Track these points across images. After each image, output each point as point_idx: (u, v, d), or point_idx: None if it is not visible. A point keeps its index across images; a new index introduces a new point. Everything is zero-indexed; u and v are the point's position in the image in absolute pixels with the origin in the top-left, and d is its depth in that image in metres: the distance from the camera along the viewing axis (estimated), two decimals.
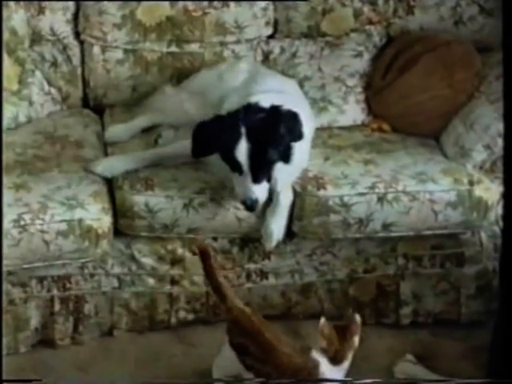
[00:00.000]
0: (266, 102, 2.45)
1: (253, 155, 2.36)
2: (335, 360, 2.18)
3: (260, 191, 2.39)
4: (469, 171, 2.57)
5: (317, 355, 2.19)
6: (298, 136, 2.44)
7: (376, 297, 2.67)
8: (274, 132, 2.38)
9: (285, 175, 2.46)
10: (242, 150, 2.36)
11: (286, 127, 2.40)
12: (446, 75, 2.72)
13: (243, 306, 2.30)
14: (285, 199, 2.48)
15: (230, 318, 2.28)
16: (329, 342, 2.18)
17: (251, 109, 2.43)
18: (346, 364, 2.21)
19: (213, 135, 2.40)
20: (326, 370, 2.17)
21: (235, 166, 2.39)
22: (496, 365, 2.32)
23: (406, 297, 2.66)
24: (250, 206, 2.38)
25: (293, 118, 2.43)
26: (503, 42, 2.31)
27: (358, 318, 2.21)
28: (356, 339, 2.19)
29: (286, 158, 2.42)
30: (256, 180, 2.38)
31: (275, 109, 2.42)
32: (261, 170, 2.39)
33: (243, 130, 2.38)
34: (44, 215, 2.41)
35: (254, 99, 2.47)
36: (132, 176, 2.54)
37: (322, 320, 2.19)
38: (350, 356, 2.19)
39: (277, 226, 2.47)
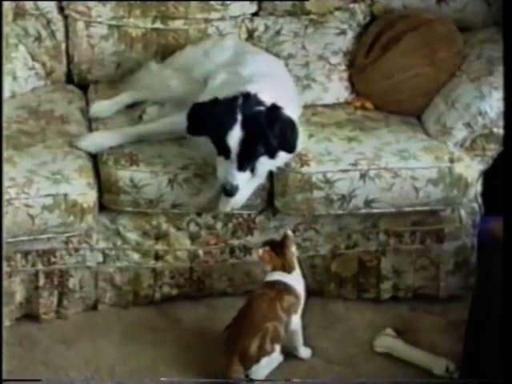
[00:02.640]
0: (263, 93, 2.45)
1: (243, 144, 2.38)
2: (286, 270, 2.46)
3: (241, 179, 2.40)
4: (450, 149, 2.60)
5: (272, 276, 2.45)
6: (290, 148, 2.45)
7: (357, 272, 2.71)
8: (269, 129, 2.39)
9: (266, 166, 2.48)
10: (235, 137, 2.38)
11: (281, 132, 2.41)
12: (429, 53, 2.74)
13: None
14: (261, 174, 2.50)
15: None
16: (272, 263, 2.44)
17: (249, 99, 2.44)
18: (298, 271, 2.47)
19: (209, 116, 2.41)
20: (284, 278, 2.43)
21: (223, 150, 2.40)
22: (472, 338, 2.37)
23: (387, 272, 2.70)
24: (229, 191, 2.39)
25: (291, 128, 2.44)
26: (504, 38, 2.33)
27: (290, 233, 2.48)
28: (293, 249, 2.47)
29: (273, 154, 2.44)
30: (241, 168, 2.40)
31: (276, 109, 2.43)
32: (247, 159, 2.40)
33: (240, 117, 2.39)
34: (29, 189, 2.42)
35: (251, 88, 2.46)
36: (117, 151, 2.55)
37: (260, 250, 2.44)
38: (295, 262, 2.47)
39: (241, 193, 2.45)
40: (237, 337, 2.37)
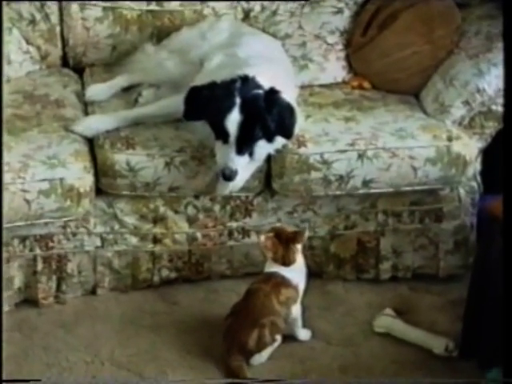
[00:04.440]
0: (261, 76, 2.43)
1: (242, 127, 2.36)
2: (285, 263, 2.40)
3: (240, 163, 2.38)
4: (448, 127, 2.59)
5: (270, 267, 2.42)
6: (287, 133, 2.43)
7: (356, 253, 2.70)
8: (268, 112, 2.37)
9: (264, 150, 2.46)
10: (233, 120, 2.36)
11: (279, 116, 2.39)
12: (426, 31, 2.71)
13: None
14: (259, 158, 2.48)
15: None
16: (274, 251, 2.40)
17: (247, 82, 2.42)
18: (299, 263, 2.43)
19: (207, 100, 2.39)
20: (282, 272, 2.40)
21: (222, 134, 2.38)
22: (471, 317, 2.36)
23: (386, 252, 2.69)
24: (228, 175, 2.37)
25: (289, 113, 2.42)
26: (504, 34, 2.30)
27: (306, 232, 2.43)
28: (299, 246, 2.41)
29: (271, 138, 2.42)
30: (239, 151, 2.38)
31: (275, 93, 2.41)
32: (246, 143, 2.38)
33: (238, 100, 2.37)
34: (25, 174, 2.41)
35: (249, 71, 2.44)
36: (113, 135, 2.54)
37: (262, 237, 2.40)
38: (298, 256, 2.42)
39: (239, 176, 2.42)
40: (235, 331, 2.37)
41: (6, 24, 2.78)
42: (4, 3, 2.74)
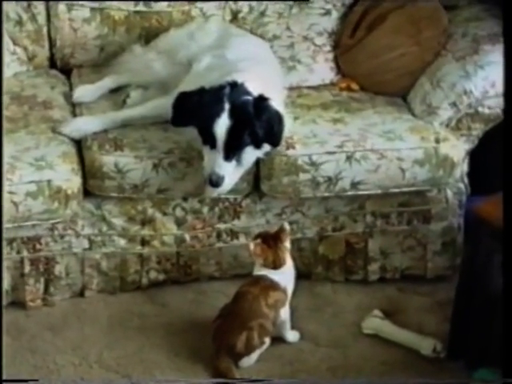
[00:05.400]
0: (250, 82, 2.42)
1: (230, 133, 2.35)
2: (276, 267, 2.41)
3: (227, 169, 2.38)
4: (435, 129, 2.59)
5: (258, 271, 2.42)
6: (275, 141, 2.43)
7: (345, 254, 2.70)
8: (257, 119, 2.37)
9: (252, 156, 2.46)
10: (222, 125, 2.35)
11: (268, 123, 2.38)
12: (414, 33, 2.72)
13: None
14: (246, 164, 2.47)
15: None
16: (264, 256, 2.40)
17: (236, 88, 2.41)
18: (288, 265, 2.43)
19: (195, 106, 2.38)
20: (271, 275, 2.40)
21: (210, 140, 2.38)
22: (458, 318, 2.38)
23: (374, 254, 2.70)
24: (215, 181, 2.37)
25: (278, 121, 2.42)
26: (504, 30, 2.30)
27: (286, 226, 2.42)
28: (287, 244, 2.41)
29: (258, 144, 2.42)
30: (227, 157, 2.37)
31: (264, 100, 2.40)
32: (234, 148, 2.38)
33: (227, 106, 2.37)
34: (12, 176, 2.40)
35: (238, 77, 2.44)
36: (101, 136, 2.53)
37: (251, 244, 2.39)
38: (288, 258, 2.42)
39: (226, 181, 2.42)
40: (223, 333, 2.37)
41: None
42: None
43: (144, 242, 2.63)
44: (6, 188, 2.38)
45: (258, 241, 2.40)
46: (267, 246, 2.40)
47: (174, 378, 2.35)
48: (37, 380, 2.32)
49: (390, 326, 2.51)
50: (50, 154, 2.46)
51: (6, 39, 2.81)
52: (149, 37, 2.86)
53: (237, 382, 2.31)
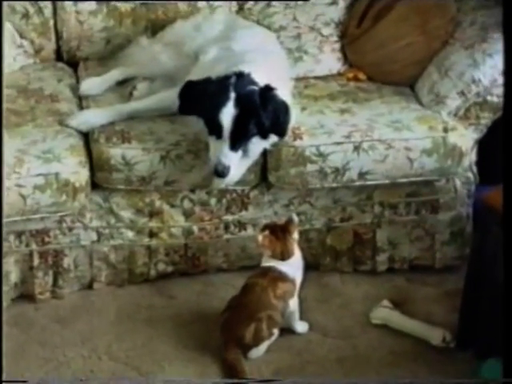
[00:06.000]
0: (256, 73, 2.42)
1: (236, 122, 2.35)
2: (284, 258, 2.40)
3: (233, 159, 2.37)
4: (443, 118, 2.58)
5: (267, 262, 2.41)
6: (281, 131, 2.43)
7: (353, 245, 2.70)
8: (263, 108, 2.36)
9: (258, 146, 2.45)
10: (228, 114, 2.35)
11: (274, 113, 2.38)
12: (421, 22, 2.71)
13: None
14: (253, 155, 2.47)
15: None
16: (272, 248, 2.39)
17: (243, 78, 2.40)
18: (297, 256, 2.42)
19: (202, 94, 2.38)
20: (279, 266, 2.39)
21: (216, 129, 2.37)
22: (467, 308, 2.37)
23: (382, 244, 2.69)
24: (221, 171, 2.36)
25: (284, 111, 2.41)
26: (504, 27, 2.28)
27: (295, 217, 2.43)
28: (295, 235, 2.41)
29: (265, 134, 2.41)
30: (233, 147, 2.37)
31: (270, 90, 2.39)
32: (240, 138, 2.37)
33: (233, 95, 2.36)
34: (20, 169, 2.40)
35: (244, 68, 2.43)
36: (108, 129, 2.53)
37: (259, 236, 2.39)
38: (296, 249, 2.42)
39: (233, 172, 2.41)
40: (231, 325, 2.36)
41: None
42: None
43: (152, 234, 2.63)
44: (13, 181, 2.38)
45: (266, 232, 2.40)
46: (275, 238, 2.40)
47: (183, 371, 2.35)
48: (36, 380, 2.32)
49: (399, 317, 2.50)
50: (57, 146, 2.47)
51: (12, 32, 2.81)
52: (155, 29, 2.85)
53: (247, 381, 2.31)
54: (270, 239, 2.39)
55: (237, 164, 2.39)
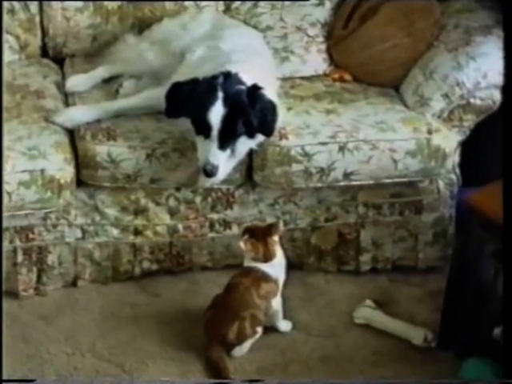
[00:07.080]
0: (243, 72, 2.42)
1: (225, 121, 2.35)
2: (266, 260, 2.41)
3: (222, 159, 2.38)
4: (428, 120, 2.60)
5: (249, 263, 2.42)
6: (268, 130, 2.43)
7: (337, 245, 2.71)
8: (251, 107, 2.37)
9: (245, 145, 2.46)
10: (216, 113, 2.35)
11: (262, 113, 2.38)
12: (407, 24, 2.73)
13: None
14: (240, 154, 2.48)
15: None
16: (255, 251, 2.40)
17: (230, 78, 2.41)
18: (279, 257, 2.43)
19: (188, 96, 2.38)
20: (262, 267, 2.41)
21: (204, 129, 2.37)
22: (449, 308, 2.39)
23: (366, 244, 2.71)
24: (210, 171, 2.36)
25: (271, 111, 2.42)
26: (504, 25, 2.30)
27: (280, 225, 2.47)
28: (276, 237, 2.42)
29: (252, 134, 2.42)
30: (221, 146, 2.37)
31: (258, 89, 2.40)
32: (228, 137, 2.37)
33: (221, 94, 2.37)
34: (5, 165, 2.39)
35: (231, 67, 2.44)
36: (94, 126, 2.53)
37: (241, 242, 2.40)
38: (278, 250, 2.43)
39: (223, 168, 2.41)
40: (215, 323, 2.38)
41: None
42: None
43: (137, 232, 2.63)
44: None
45: (246, 236, 2.40)
46: (256, 240, 2.40)
47: (166, 369, 2.35)
48: (35, 380, 2.31)
49: (382, 316, 2.52)
50: (42, 143, 2.46)
51: None
52: (142, 27, 2.85)
53: (233, 382, 2.32)
54: (252, 243, 2.40)
55: (225, 163, 2.40)
